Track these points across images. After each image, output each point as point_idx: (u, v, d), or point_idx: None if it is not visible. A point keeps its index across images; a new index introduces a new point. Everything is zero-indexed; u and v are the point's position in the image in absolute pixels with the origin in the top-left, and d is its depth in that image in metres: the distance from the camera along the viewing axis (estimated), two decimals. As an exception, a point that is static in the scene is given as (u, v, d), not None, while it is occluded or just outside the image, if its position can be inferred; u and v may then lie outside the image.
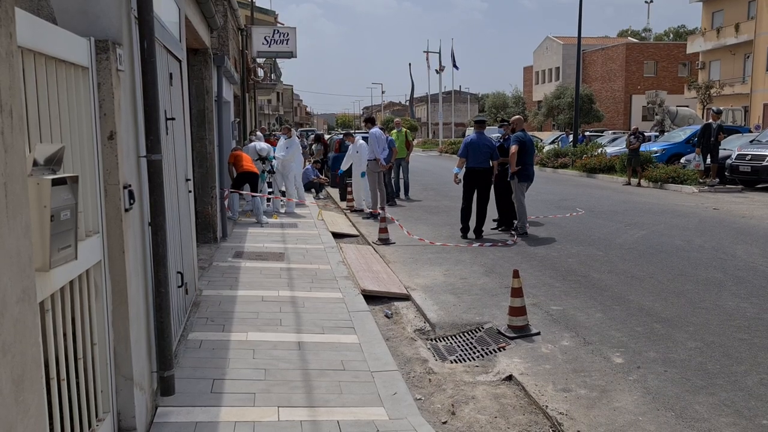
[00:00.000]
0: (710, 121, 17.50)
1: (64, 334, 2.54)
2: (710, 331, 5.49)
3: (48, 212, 2.09)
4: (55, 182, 2.12)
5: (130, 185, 3.31)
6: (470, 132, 12.37)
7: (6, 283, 1.72)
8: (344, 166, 14.18)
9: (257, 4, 25.13)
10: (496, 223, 11.05)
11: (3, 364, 1.69)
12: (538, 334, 5.55)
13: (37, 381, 1.95)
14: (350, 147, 13.89)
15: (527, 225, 10.43)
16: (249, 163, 11.26)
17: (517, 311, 5.59)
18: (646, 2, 64.28)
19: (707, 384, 4.42)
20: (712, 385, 4.40)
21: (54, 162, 2.22)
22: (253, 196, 11.29)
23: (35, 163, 2.12)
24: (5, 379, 1.70)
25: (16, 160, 1.82)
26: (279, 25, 24.12)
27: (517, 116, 11.21)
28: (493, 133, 27.64)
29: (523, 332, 5.54)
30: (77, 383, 2.70)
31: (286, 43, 19.16)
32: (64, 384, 2.51)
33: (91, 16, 3.19)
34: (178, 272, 5.05)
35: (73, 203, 2.28)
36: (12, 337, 1.75)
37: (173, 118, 4.90)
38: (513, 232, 10.39)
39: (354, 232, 11.24)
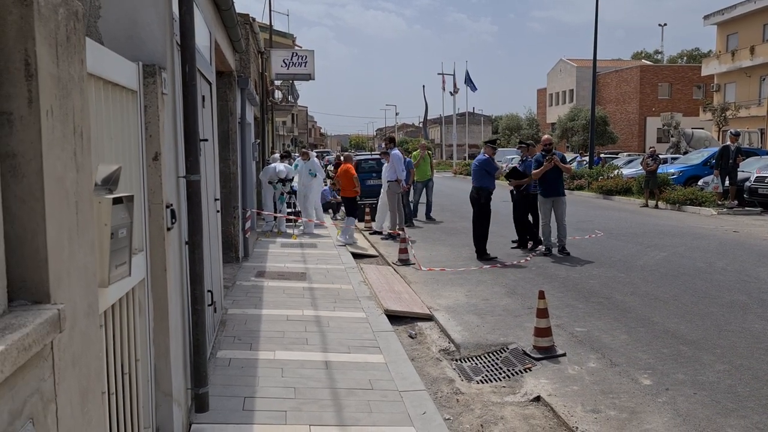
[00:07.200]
0: (728, 143, 17.45)
1: (114, 349, 2.61)
2: (738, 354, 5.46)
3: (108, 230, 2.17)
4: (115, 201, 2.20)
5: (171, 204, 3.40)
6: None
7: (76, 298, 1.79)
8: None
9: (275, 27, 25.55)
10: (515, 243, 11.23)
11: (73, 376, 1.75)
12: (564, 355, 5.54)
13: (99, 393, 2.01)
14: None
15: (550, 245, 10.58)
16: (344, 185, 12.05)
17: (543, 332, 5.60)
18: (659, 25, 64.44)
19: (738, 407, 4.39)
20: (743, 407, 4.38)
21: (111, 182, 2.31)
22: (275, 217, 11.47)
23: (95, 183, 2.20)
24: (74, 390, 1.76)
25: (85, 180, 1.90)
26: (297, 47, 24.46)
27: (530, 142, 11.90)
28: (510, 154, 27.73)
29: (548, 353, 5.54)
30: (123, 397, 2.76)
31: (305, 66, 19.39)
32: (113, 398, 2.57)
33: (138, 42, 3.31)
34: (208, 290, 5.11)
35: (128, 221, 2.36)
36: (80, 350, 1.81)
37: (206, 140, 5.01)
38: (534, 251, 10.55)
39: (373, 252, 11.30)
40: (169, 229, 3.32)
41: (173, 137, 3.63)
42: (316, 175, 13.28)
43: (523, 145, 12.04)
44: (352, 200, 12.11)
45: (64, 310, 1.57)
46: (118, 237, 2.29)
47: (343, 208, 18.01)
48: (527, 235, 11.09)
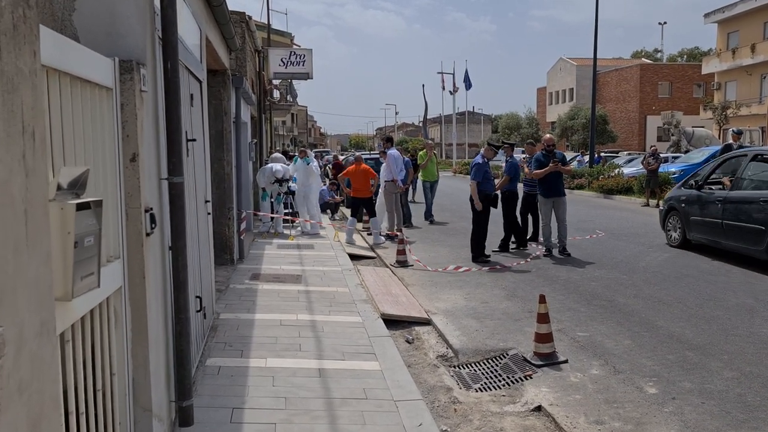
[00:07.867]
0: (730, 141, 17.26)
1: (84, 365, 2.42)
2: (746, 361, 5.27)
3: (72, 238, 1.99)
4: (80, 207, 2.02)
5: (151, 208, 3.21)
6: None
7: (24, 317, 1.61)
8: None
9: (273, 26, 25.34)
10: (514, 244, 11.05)
11: (19, 405, 1.57)
12: (566, 361, 5.36)
13: (56, 420, 1.83)
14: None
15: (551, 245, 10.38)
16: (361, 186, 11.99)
17: (544, 338, 5.41)
18: (659, 23, 64.21)
19: (749, 417, 4.21)
20: (754, 418, 4.19)
21: (78, 186, 2.12)
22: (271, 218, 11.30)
23: (59, 187, 2.02)
24: (21, 420, 1.58)
25: (38, 185, 1.72)
26: (295, 46, 24.24)
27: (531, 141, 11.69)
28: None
29: (549, 360, 5.36)
30: (95, 416, 2.57)
31: (303, 65, 19.20)
32: (83, 418, 2.39)
33: (116, 36, 3.13)
34: (197, 296, 4.93)
35: (96, 228, 2.17)
36: (29, 375, 1.63)
37: (194, 139, 4.83)
38: (537, 247, 10.40)
39: (371, 254, 11.11)
40: (148, 235, 3.14)
41: (154, 137, 3.44)
42: (309, 163, 13.21)
43: (506, 145, 11.86)
44: (367, 201, 12.07)
45: (2, 334, 1.39)
46: (83, 246, 2.10)
47: (343, 208, 17.90)
48: (508, 239, 10.90)
